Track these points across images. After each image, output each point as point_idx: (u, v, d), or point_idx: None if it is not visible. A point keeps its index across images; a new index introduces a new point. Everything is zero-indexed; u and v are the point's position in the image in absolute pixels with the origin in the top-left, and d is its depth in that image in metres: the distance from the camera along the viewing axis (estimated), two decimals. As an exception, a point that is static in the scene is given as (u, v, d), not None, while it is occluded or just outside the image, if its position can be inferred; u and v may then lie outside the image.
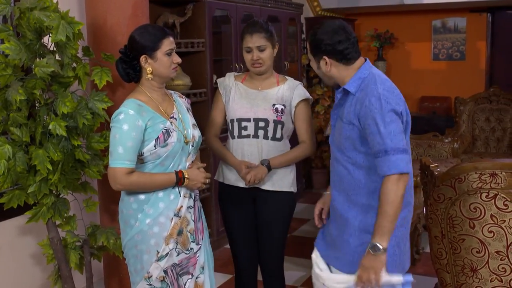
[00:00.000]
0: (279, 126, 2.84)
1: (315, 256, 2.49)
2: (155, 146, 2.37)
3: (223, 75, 3.02)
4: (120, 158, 2.31)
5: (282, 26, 5.73)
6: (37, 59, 2.61)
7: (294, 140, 2.97)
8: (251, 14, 5.09)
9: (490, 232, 2.39)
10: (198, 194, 2.60)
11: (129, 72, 2.45)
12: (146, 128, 2.36)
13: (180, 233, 2.46)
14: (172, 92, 2.64)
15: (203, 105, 4.46)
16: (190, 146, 2.50)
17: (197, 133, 2.56)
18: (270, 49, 2.82)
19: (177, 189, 2.45)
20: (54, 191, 2.80)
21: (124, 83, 2.99)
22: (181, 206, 2.46)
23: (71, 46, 2.65)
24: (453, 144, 5.64)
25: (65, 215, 2.89)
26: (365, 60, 2.35)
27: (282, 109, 2.84)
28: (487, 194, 2.36)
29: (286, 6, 5.82)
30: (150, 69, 2.42)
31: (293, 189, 2.94)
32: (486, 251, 2.42)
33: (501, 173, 2.32)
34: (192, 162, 2.53)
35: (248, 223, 2.95)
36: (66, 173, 2.77)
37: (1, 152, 2.57)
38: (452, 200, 2.43)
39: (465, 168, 2.39)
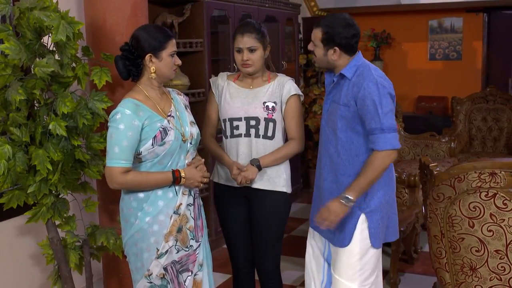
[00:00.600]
0: (271, 124, 2.82)
1: (311, 235, 2.82)
2: (152, 144, 2.38)
3: (221, 75, 3.02)
4: (116, 157, 2.33)
5: (279, 26, 5.74)
6: (37, 59, 2.60)
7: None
8: (249, 14, 5.10)
9: (490, 231, 2.40)
10: (198, 192, 2.60)
11: (130, 69, 2.45)
12: (143, 127, 2.36)
13: (179, 230, 2.46)
14: (170, 89, 2.64)
15: (201, 105, 4.44)
16: (189, 144, 2.50)
17: (195, 130, 2.56)
18: (261, 50, 2.80)
19: (174, 188, 2.45)
20: (53, 191, 2.80)
21: (123, 83, 2.99)
22: (180, 204, 2.47)
23: (71, 46, 2.65)
24: (450, 143, 5.65)
25: (65, 215, 2.89)
26: (358, 50, 2.64)
27: (273, 106, 2.82)
28: (486, 193, 2.36)
29: (283, 6, 5.83)
30: (154, 68, 2.43)
31: (286, 189, 2.89)
32: (486, 250, 2.43)
33: (500, 172, 2.33)
34: (192, 159, 2.54)
35: (243, 222, 2.94)
36: (66, 173, 2.77)
37: (1, 152, 2.56)
38: (452, 199, 2.44)
39: (464, 167, 2.40)
